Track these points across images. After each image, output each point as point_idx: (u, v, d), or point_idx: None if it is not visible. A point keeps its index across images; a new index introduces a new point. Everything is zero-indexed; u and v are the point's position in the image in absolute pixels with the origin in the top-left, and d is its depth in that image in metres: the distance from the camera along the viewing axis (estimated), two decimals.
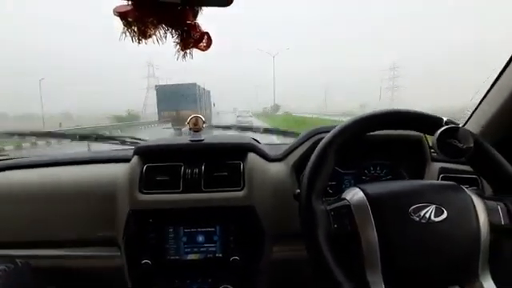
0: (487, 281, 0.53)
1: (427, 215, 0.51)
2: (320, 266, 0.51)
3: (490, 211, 0.53)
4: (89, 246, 0.83)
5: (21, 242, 0.84)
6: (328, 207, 0.55)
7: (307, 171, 0.57)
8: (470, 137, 0.54)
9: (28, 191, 0.86)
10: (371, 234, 0.51)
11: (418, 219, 0.51)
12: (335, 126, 0.60)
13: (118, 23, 0.47)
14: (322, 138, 0.60)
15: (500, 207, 0.54)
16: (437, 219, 0.51)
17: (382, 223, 0.52)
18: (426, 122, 0.58)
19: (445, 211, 0.52)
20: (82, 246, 0.83)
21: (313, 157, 0.57)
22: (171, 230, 0.78)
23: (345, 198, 0.57)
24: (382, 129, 0.59)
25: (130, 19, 0.48)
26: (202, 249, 0.79)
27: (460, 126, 0.55)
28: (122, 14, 0.48)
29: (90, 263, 0.83)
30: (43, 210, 0.83)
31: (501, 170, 0.56)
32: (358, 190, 0.57)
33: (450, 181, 0.84)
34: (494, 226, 0.53)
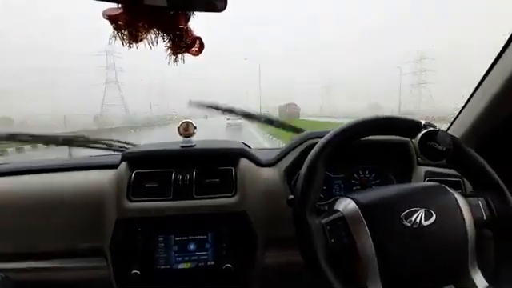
0: (477, 276, 0.55)
1: (418, 220, 0.53)
2: (321, 281, 0.51)
3: (472, 207, 0.56)
4: (74, 257, 0.79)
5: (0, 254, 0.79)
6: (323, 221, 0.55)
7: (300, 182, 0.57)
8: (448, 139, 0.57)
9: (6, 200, 0.81)
10: (367, 244, 0.52)
11: (409, 225, 0.53)
12: (326, 132, 0.61)
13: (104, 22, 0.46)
14: (313, 144, 0.61)
15: (481, 203, 0.57)
16: (427, 223, 0.53)
17: (376, 232, 0.52)
18: (405, 126, 0.60)
19: (433, 214, 0.54)
20: (66, 258, 0.79)
21: (304, 168, 0.58)
22: (161, 238, 0.76)
23: (338, 210, 0.57)
24: (367, 135, 0.61)
25: (120, 23, 0.47)
26: (193, 257, 0.77)
27: (438, 129, 0.58)
28: (112, 18, 0.47)
29: (74, 275, 0.79)
30: (23, 220, 0.79)
31: (479, 168, 0.59)
32: (349, 200, 0.57)
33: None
34: (477, 222, 0.55)
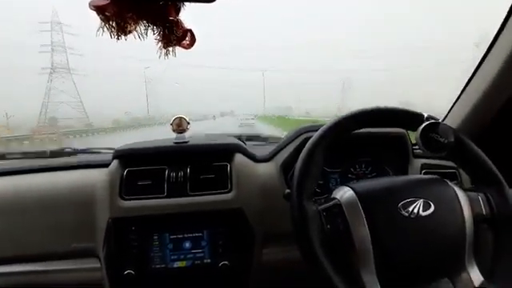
0: (474, 271, 0.54)
1: (415, 210, 0.53)
2: (316, 271, 0.51)
3: (472, 202, 0.56)
4: (65, 258, 0.77)
5: None
6: (319, 207, 0.55)
7: (296, 172, 0.56)
8: (450, 132, 0.57)
9: None
10: (363, 232, 0.52)
11: (407, 214, 0.52)
12: (322, 125, 0.60)
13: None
14: (309, 137, 0.60)
15: (481, 198, 0.57)
16: (425, 213, 0.53)
17: (373, 220, 0.52)
18: (408, 118, 0.60)
19: (432, 205, 0.53)
20: (57, 259, 0.77)
21: (301, 158, 0.57)
22: (156, 237, 0.75)
23: (335, 198, 0.57)
24: (367, 127, 0.60)
25: (107, 14, 0.45)
26: (189, 255, 0.76)
27: (440, 121, 0.57)
28: (99, 9, 0.45)
29: (66, 277, 0.77)
30: (12, 222, 0.77)
31: (479, 163, 0.59)
32: (347, 188, 0.57)
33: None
34: (476, 216, 0.55)
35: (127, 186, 0.77)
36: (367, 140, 0.87)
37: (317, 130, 0.59)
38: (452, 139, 0.56)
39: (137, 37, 0.50)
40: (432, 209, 0.53)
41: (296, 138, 0.87)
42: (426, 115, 0.58)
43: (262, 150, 0.93)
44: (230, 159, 0.83)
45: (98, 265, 0.75)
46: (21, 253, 0.77)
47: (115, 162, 0.80)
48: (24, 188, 0.81)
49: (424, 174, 0.89)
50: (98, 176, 0.81)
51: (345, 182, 0.92)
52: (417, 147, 0.94)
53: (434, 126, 0.56)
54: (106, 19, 0.46)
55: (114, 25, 0.46)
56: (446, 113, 0.94)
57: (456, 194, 0.55)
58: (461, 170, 0.87)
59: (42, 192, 0.80)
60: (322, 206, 0.55)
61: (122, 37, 0.49)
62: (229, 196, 0.78)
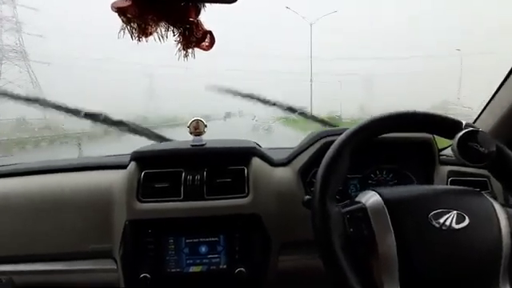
0: None
1: (448, 222, 0.49)
2: (336, 275, 0.49)
3: (511, 219, 0.52)
4: (82, 259, 0.78)
5: (4, 256, 0.78)
6: (343, 210, 0.53)
7: (321, 171, 0.54)
8: (491, 141, 0.53)
9: (14, 201, 0.81)
10: (389, 240, 0.49)
11: (438, 226, 0.49)
12: (344, 129, 0.58)
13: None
14: (330, 141, 0.58)
15: None
16: (458, 226, 0.49)
17: (400, 228, 0.49)
18: (445, 125, 0.57)
19: (466, 218, 0.50)
20: (74, 260, 0.78)
21: (327, 156, 0.55)
22: (172, 240, 0.74)
23: (360, 201, 0.55)
24: (399, 131, 0.58)
25: (129, 16, 0.45)
26: (204, 260, 0.75)
27: (479, 129, 0.53)
28: (121, 10, 0.45)
29: (82, 278, 0.78)
30: (29, 222, 0.78)
31: None
32: (373, 193, 0.54)
33: (460, 184, 0.82)
34: None
35: (144, 188, 0.77)
36: (390, 145, 0.84)
37: (339, 134, 0.57)
38: (493, 149, 0.53)
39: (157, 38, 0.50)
40: (466, 222, 0.49)
41: (315, 142, 0.85)
42: (464, 122, 0.55)
43: (279, 154, 0.91)
44: (248, 163, 0.82)
45: (114, 266, 0.76)
46: (38, 252, 0.78)
47: (133, 164, 0.81)
48: (42, 188, 0.83)
49: (451, 181, 0.84)
50: (115, 177, 0.81)
51: (365, 188, 0.89)
52: (444, 153, 0.89)
53: (474, 134, 0.53)
54: (127, 21, 0.46)
55: (135, 26, 0.46)
56: (476, 117, 0.90)
57: (494, 209, 0.52)
58: (492, 179, 0.82)
59: (60, 192, 0.82)
60: (346, 209, 0.53)
61: (143, 38, 0.49)
62: (245, 201, 0.77)
